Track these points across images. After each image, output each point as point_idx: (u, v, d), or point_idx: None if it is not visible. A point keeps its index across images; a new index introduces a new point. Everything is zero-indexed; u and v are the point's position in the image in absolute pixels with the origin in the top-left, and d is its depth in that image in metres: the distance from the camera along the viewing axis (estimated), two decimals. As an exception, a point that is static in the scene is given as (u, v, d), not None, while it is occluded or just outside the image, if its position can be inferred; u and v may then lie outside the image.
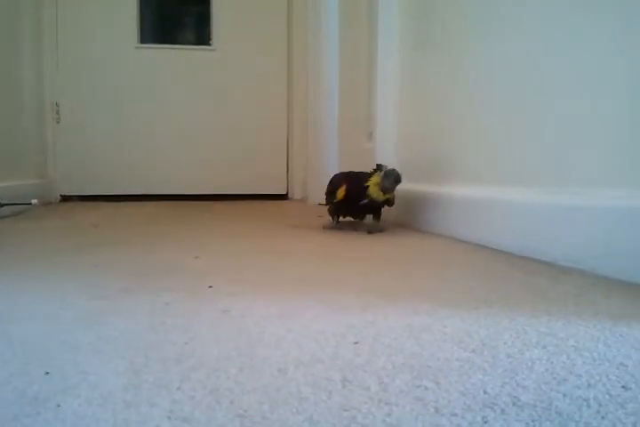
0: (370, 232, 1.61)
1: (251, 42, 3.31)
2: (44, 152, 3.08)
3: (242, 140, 3.35)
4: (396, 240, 1.51)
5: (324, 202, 1.81)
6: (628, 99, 0.98)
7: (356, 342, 0.62)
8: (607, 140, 1.03)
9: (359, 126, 2.33)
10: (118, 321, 0.72)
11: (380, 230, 1.63)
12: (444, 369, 0.54)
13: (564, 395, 0.48)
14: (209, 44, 3.30)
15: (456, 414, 0.45)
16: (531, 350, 0.59)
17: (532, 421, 0.43)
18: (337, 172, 2.57)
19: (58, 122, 3.14)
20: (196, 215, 2.38)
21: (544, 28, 1.20)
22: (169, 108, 3.27)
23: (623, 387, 0.50)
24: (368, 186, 1.56)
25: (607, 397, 0.48)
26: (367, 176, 1.59)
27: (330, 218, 1.76)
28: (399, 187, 1.57)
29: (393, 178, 1.54)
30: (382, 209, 1.64)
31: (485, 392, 0.49)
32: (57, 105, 3.13)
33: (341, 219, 1.77)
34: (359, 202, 1.59)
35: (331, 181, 1.77)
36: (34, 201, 2.24)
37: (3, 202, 2.07)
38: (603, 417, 0.44)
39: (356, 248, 1.39)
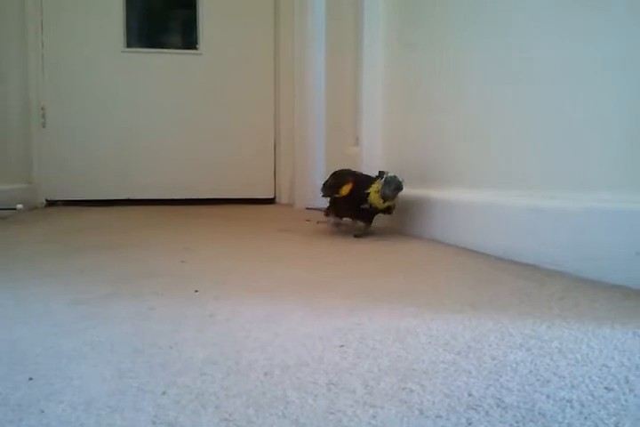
0: (357, 236, 1.61)
1: (238, 46, 3.31)
2: (30, 156, 3.06)
3: (229, 145, 3.34)
4: (382, 244, 1.51)
5: (322, 194, 1.78)
6: (608, 105, 0.99)
7: (341, 346, 0.62)
8: (589, 144, 1.04)
9: (346, 131, 2.34)
10: (103, 326, 0.72)
11: (366, 234, 1.63)
12: (429, 372, 0.54)
13: (548, 396, 0.48)
14: (196, 49, 3.30)
15: (441, 416, 0.45)
16: (515, 353, 0.60)
17: (516, 422, 0.44)
18: (324, 176, 2.57)
19: (44, 126, 3.12)
20: (182, 220, 2.38)
21: (536, 27, 1.21)
22: (155, 113, 3.26)
23: (606, 388, 0.50)
24: (369, 193, 1.53)
25: (590, 398, 0.48)
26: (371, 182, 1.56)
27: (328, 217, 1.72)
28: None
29: (394, 185, 1.51)
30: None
31: (470, 394, 0.49)
32: (43, 109, 3.11)
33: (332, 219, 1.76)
34: (360, 205, 1.57)
35: (335, 175, 1.75)
36: (19, 206, 2.23)
37: (-13, 207, 2.06)
38: (585, 418, 0.44)
39: (343, 252, 1.40)
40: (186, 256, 1.30)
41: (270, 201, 3.41)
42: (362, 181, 1.59)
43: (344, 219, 1.73)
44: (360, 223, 1.67)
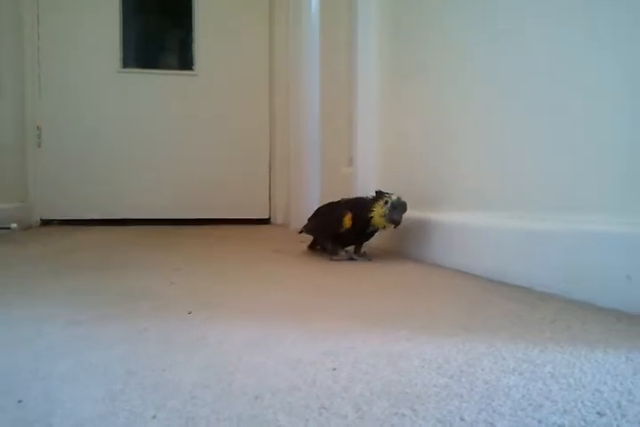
0: (353, 259, 1.60)
1: (233, 67, 3.35)
2: (25, 175, 3.07)
3: (224, 165, 3.36)
4: (376, 266, 1.51)
5: (313, 235, 1.76)
6: (598, 128, 1.01)
7: (334, 369, 0.62)
8: (579, 167, 1.05)
9: (340, 151, 2.35)
10: (95, 348, 0.72)
11: (364, 256, 1.62)
12: (421, 396, 0.54)
13: (540, 421, 0.48)
14: (191, 69, 3.33)
15: (432, 442, 0.45)
16: (508, 377, 0.59)
17: (508, 448, 0.44)
18: (319, 196, 2.58)
19: (39, 146, 3.13)
20: (177, 240, 2.37)
21: (531, 53, 1.23)
22: (151, 133, 3.28)
23: (598, 413, 0.50)
24: (372, 217, 1.51)
25: (582, 423, 0.48)
26: (369, 205, 1.53)
27: (332, 251, 1.64)
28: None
29: (402, 209, 1.50)
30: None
31: (462, 419, 0.49)
32: (39, 129, 3.13)
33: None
34: (365, 230, 1.55)
35: (322, 213, 1.73)
36: (13, 225, 2.23)
37: (-20, 226, 2.05)
38: (577, 444, 0.44)
39: (336, 274, 1.40)
40: (179, 277, 1.30)
41: (265, 221, 3.42)
42: (357, 207, 1.57)
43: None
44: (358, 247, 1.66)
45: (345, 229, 1.57)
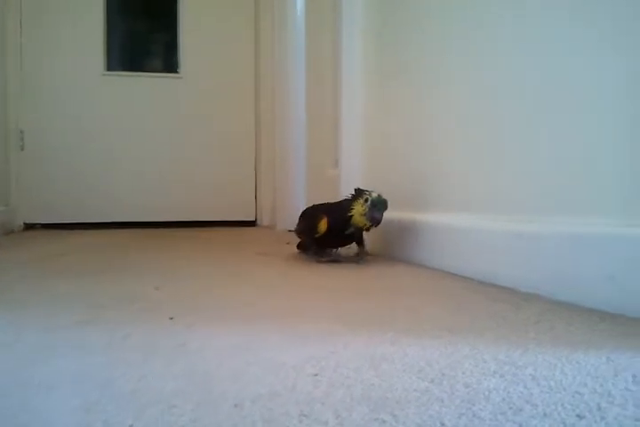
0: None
1: (218, 70, 3.34)
2: (8, 179, 3.04)
3: (210, 167, 3.34)
4: (362, 268, 1.51)
5: (300, 238, 1.75)
6: (588, 129, 1.01)
7: (315, 374, 0.62)
8: (566, 168, 1.05)
9: (325, 154, 2.35)
10: (76, 355, 0.71)
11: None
12: (401, 401, 0.54)
13: (520, 425, 0.48)
14: (176, 72, 3.32)
15: (411, 448, 0.44)
16: (489, 380, 0.59)
17: (487, 453, 0.43)
18: (304, 198, 2.58)
19: (22, 149, 3.10)
20: (163, 243, 2.36)
21: (521, 62, 1.23)
22: (137, 136, 3.26)
23: (578, 416, 0.50)
24: (352, 216, 1.48)
25: (562, 426, 0.48)
26: (347, 205, 1.50)
27: (316, 253, 1.65)
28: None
29: (383, 207, 1.46)
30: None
31: (442, 424, 0.49)
32: (22, 132, 3.10)
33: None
34: (344, 232, 1.52)
35: (304, 217, 1.72)
36: (-5, 230, 2.20)
37: (-37, 231, 2.03)
38: (556, 448, 0.44)
39: (322, 277, 1.39)
40: (163, 282, 1.29)
41: (252, 223, 3.41)
42: (334, 210, 1.54)
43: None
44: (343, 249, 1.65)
45: (321, 235, 1.54)
